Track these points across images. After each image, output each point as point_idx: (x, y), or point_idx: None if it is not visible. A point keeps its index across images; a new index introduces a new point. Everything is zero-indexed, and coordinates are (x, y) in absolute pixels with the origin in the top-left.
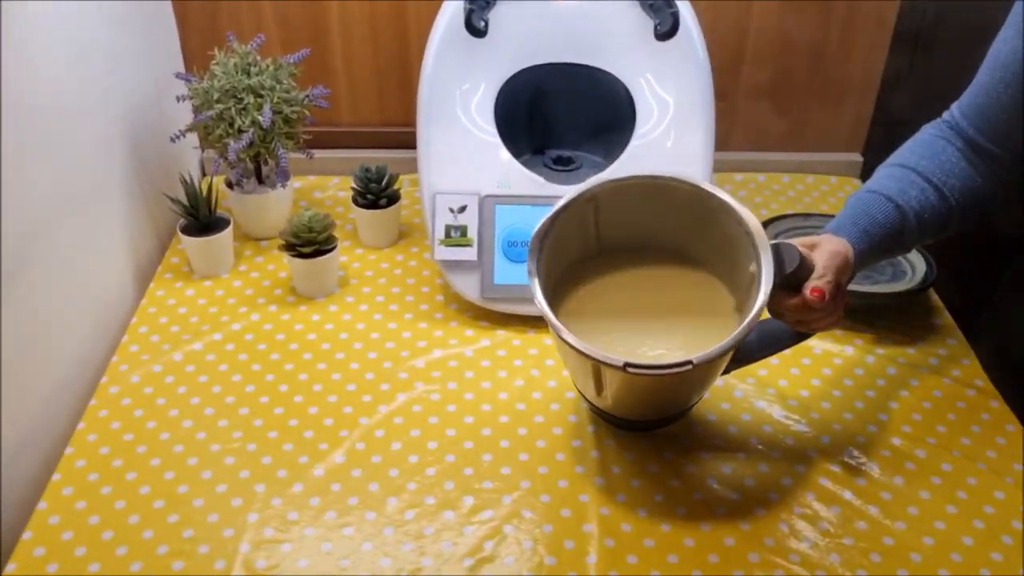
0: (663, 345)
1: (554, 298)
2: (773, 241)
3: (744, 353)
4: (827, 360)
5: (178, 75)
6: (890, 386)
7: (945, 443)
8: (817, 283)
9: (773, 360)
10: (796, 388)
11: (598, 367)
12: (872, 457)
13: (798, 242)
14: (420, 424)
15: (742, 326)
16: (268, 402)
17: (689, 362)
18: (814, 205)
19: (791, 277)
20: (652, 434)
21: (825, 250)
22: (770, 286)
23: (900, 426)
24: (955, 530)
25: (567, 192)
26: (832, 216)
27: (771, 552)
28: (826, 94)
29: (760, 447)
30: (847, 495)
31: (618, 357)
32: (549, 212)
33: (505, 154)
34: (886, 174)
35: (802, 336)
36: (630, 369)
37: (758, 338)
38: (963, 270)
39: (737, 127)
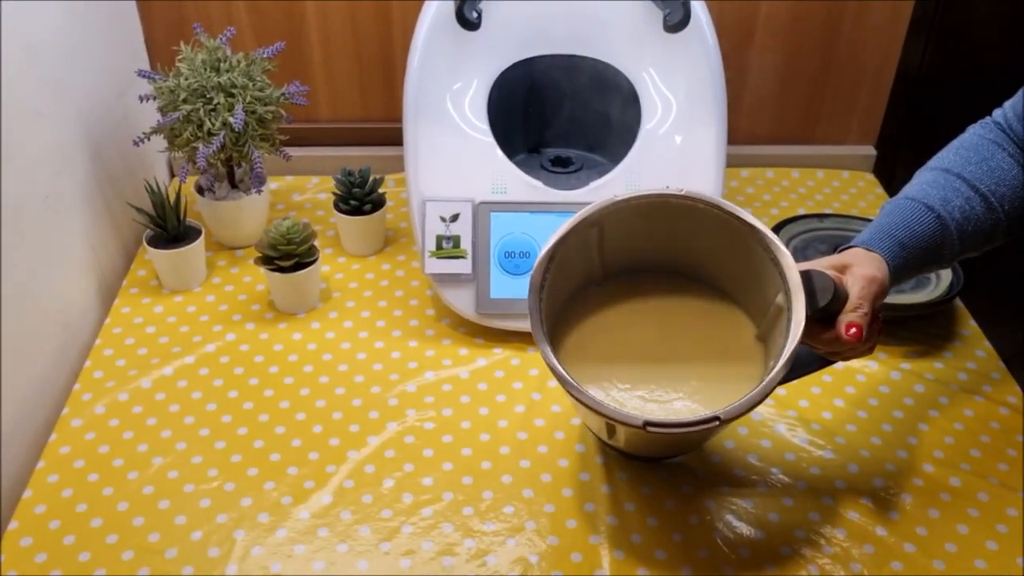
0: (679, 388)
1: (555, 332)
2: (802, 267)
3: None
4: (850, 377)
5: (141, 72)
6: (918, 406)
7: (981, 470)
8: (853, 317)
9: None
10: (818, 410)
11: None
12: (904, 487)
13: (827, 262)
14: (414, 458)
15: (772, 374)
16: (247, 434)
17: (716, 418)
18: (826, 202)
19: (823, 310)
20: (666, 464)
21: (859, 276)
22: (801, 328)
23: (932, 451)
24: (997, 567)
25: (565, 196)
26: (850, 217)
27: None
28: (838, 83)
29: (783, 478)
30: (880, 532)
31: (637, 415)
32: (545, 248)
33: (500, 156)
34: (927, 179)
35: (829, 362)
36: (651, 428)
37: None
38: (990, 275)
39: (742, 119)
